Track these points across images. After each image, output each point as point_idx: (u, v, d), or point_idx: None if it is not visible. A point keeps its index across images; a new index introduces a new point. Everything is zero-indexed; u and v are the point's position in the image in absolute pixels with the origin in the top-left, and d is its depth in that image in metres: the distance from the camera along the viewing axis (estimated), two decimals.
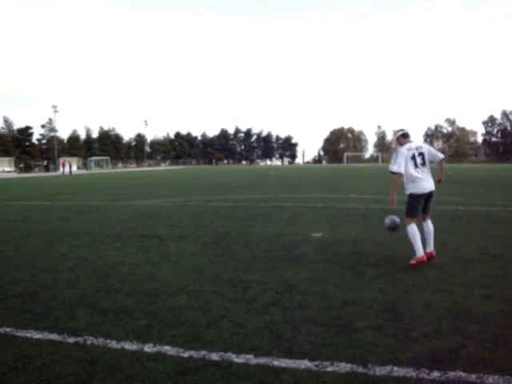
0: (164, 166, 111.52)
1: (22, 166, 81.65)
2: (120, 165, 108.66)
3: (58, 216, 12.70)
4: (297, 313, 4.47)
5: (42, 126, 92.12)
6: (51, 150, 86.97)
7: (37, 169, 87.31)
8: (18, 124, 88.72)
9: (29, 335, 4.02)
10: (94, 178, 45.22)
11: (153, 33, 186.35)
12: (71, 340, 3.89)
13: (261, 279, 5.69)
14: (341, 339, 3.81)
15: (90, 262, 6.76)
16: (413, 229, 6.49)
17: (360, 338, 3.83)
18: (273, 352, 3.58)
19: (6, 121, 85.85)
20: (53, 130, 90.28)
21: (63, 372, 3.33)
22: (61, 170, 63.75)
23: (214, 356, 3.53)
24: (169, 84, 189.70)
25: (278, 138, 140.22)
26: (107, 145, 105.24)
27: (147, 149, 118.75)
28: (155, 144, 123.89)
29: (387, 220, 7.07)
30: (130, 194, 20.97)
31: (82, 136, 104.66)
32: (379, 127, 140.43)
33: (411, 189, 6.57)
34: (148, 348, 3.70)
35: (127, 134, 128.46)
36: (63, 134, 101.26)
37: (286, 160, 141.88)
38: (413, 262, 6.39)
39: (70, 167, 60.51)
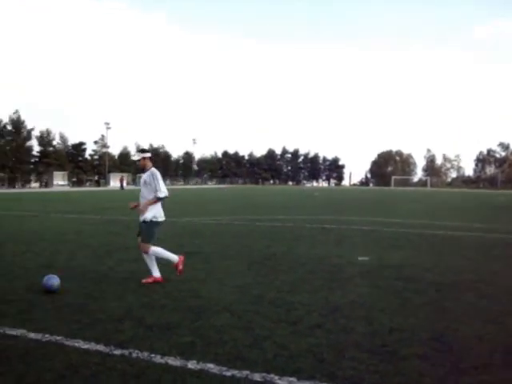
0: (210, 185, 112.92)
1: (74, 180, 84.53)
2: (168, 182, 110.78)
3: (108, 230, 13.06)
4: (341, 337, 4.41)
5: (95, 142, 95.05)
6: (102, 165, 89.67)
7: (88, 183, 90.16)
8: (72, 140, 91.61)
9: (77, 345, 4.13)
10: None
11: (203, 54, 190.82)
12: (117, 352, 3.97)
13: (305, 301, 5.64)
14: (386, 367, 3.72)
15: (137, 277, 6.88)
16: (156, 249, 6.48)
17: (406, 367, 3.73)
18: (316, 376, 3.53)
19: (61, 137, 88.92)
20: (105, 146, 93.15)
21: None
22: (118, 184, 66.49)
23: (257, 376, 3.51)
24: (218, 103, 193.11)
25: (325, 159, 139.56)
26: (156, 162, 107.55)
27: (195, 167, 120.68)
28: (203, 162, 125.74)
29: (45, 280, 5.95)
30: (176, 210, 21.29)
31: (133, 152, 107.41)
32: (429, 151, 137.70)
33: (155, 215, 6.45)
34: (191, 365, 3.72)
35: (176, 152, 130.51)
36: (114, 150, 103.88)
37: (333, 182, 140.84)
38: (180, 267, 6.62)
39: (122, 182, 62.46)
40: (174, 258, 6.63)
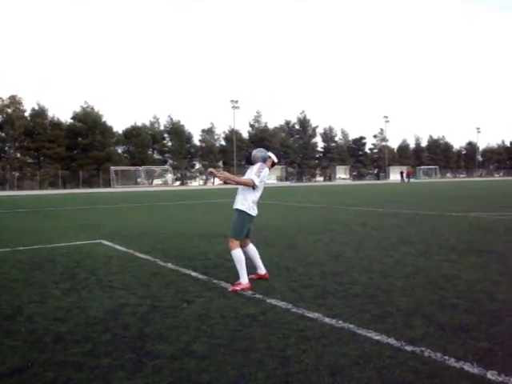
0: (498, 177, 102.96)
1: (355, 173, 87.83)
2: (449, 174, 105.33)
3: (390, 223, 13.08)
4: None
5: (374, 136, 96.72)
6: (382, 158, 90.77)
7: (368, 176, 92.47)
8: (352, 135, 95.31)
9: (369, 335, 4.21)
10: (424, 186, 45.09)
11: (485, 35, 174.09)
12: (408, 348, 3.90)
13: None
14: None
15: (425, 272, 6.69)
16: (239, 253, 5.96)
17: None
18: None
19: (342, 132, 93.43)
20: (384, 139, 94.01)
21: (401, 379, 3.36)
22: (398, 177, 70.48)
23: None
24: (503, 88, 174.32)
25: None
26: (436, 153, 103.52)
27: (479, 158, 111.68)
28: (488, 152, 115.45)
29: None
30: (460, 204, 20.06)
31: (412, 145, 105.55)
32: None
33: (250, 209, 6.02)
34: (491, 375, 3.39)
35: (457, 143, 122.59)
36: (393, 143, 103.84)
37: None
38: (237, 288, 5.84)
39: (404, 176, 62.37)
40: (245, 278, 5.96)
